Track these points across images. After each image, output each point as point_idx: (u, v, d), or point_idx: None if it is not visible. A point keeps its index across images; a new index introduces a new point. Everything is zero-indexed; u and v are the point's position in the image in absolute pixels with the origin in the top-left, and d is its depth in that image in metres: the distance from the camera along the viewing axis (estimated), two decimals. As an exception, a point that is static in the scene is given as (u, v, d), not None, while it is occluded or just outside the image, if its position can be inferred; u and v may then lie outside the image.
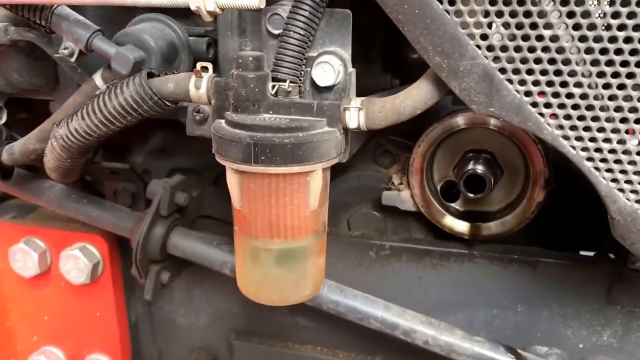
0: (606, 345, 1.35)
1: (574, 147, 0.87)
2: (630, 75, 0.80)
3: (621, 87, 0.81)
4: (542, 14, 0.80)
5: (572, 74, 0.82)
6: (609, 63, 0.80)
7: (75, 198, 1.39)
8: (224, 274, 1.34)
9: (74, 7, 1.12)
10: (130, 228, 1.36)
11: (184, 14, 1.19)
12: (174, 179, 1.38)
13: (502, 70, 0.85)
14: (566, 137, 0.86)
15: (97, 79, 1.15)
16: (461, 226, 1.35)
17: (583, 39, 0.80)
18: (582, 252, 1.40)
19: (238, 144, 0.92)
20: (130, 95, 1.02)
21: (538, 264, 1.34)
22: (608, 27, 0.78)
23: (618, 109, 0.82)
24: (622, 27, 0.77)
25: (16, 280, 1.53)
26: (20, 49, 1.24)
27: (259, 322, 1.57)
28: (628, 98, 0.81)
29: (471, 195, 1.26)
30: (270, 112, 0.97)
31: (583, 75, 0.82)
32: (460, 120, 1.27)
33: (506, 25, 0.82)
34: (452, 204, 1.38)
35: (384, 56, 1.32)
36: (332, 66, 1.01)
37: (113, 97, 1.03)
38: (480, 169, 1.27)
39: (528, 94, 0.85)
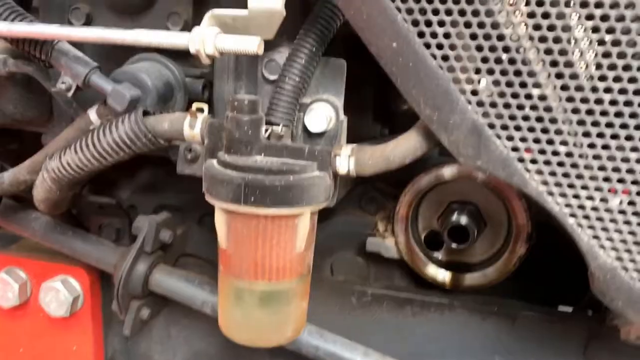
0: (582, 402, 1.35)
1: (557, 204, 0.89)
2: (614, 137, 0.83)
3: (605, 147, 0.84)
4: (531, 74, 0.83)
5: (558, 132, 0.85)
6: (595, 124, 0.83)
7: (61, 230, 1.39)
8: (204, 313, 1.34)
9: (73, 43, 1.14)
10: (114, 263, 1.36)
11: (181, 55, 1.21)
12: (160, 216, 1.38)
13: (491, 126, 0.88)
14: (550, 193, 0.89)
15: (92, 114, 1.16)
16: (443, 276, 1.37)
17: (570, 99, 0.83)
18: (561, 307, 1.41)
19: (229, 184, 0.93)
20: (125, 132, 1.04)
21: (517, 317, 1.36)
22: (594, 89, 0.81)
23: (602, 168, 0.85)
24: (608, 90, 0.81)
25: (-6, 310, 1.52)
26: (17, 81, 1.25)
27: (237, 363, 1.56)
28: (612, 158, 0.84)
29: (455, 245, 1.28)
30: (262, 154, 0.99)
31: (569, 134, 0.85)
32: (446, 171, 1.30)
33: (496, 83, 0.86)
34: (435, 254, 1.39)
35: (375, 106, 1.36)
36: (324, 113, 1.04)
37: (107, 133, 1.05)
38: (464, 220, 1.30)
39: (515, 149, 0.88)
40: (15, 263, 1.49)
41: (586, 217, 0.89)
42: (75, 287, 1.44)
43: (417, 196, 1.33)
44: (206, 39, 0.98)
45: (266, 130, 1.00)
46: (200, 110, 1.04)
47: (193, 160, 1.20)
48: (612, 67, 0.80)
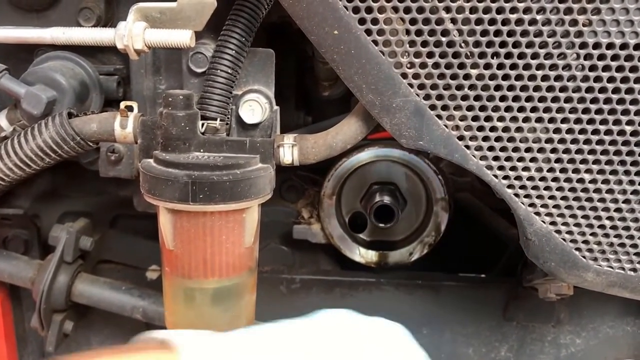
0: (504, 359, 1.45)
1: (496, 176, 0.94)
2: (546, 110, 0.89)
3: (539, 120, 0.90)
4: (469, 55, 0.87)
5: (495, 109, 0.90)
6: (529, 99, 0.89)
7: (-35, 248, 1.28)
8: (135, 318, 1.29)
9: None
10: (30, 277, 1.27)
11: (90, 52, 1.16)
12: (78, 223, 1.31)
13: (432, 107, 0.91)
14: (489, 167, 0.94)
15: (2, 120, 1.08)
16: (370, 256, 1.40)
17: (506, 77, 0.88)
18: (482, 275, 1.49)
19: (174, 183, 0.90)
20: (50, 136, 0.98)
21: (441, 288, 1.43)
22: (527, 67, 0.87)
23: (536, 140, 0.91)
24: (540, 67, 0.86)
25: None
26: None
27: (165, 367, 1.51)
28: (544, 130, 0.90)
29: (382, 225, 1.32)
30: (201, 150, 0.97)
31: (505, 110, 0.90)
32: (365, 154, 1.33)
33: (436, 65, 0.89)
34: (360, 235, 1.42)
35: (297, 94, 1.36)
36: (259, 104, 1.03)
37: (30, 138, 0.98)
38: (387, 199, 1.34)
39: (456, 128, 0.92)
40: None
41: (523, 187, 0.95)
42: (-16, 309, 1.34)
43: (340, 181, 1.35)
44: (134, 34, 0.94)
45: (202, 125, 0.98)
46: (130, 108, 0.99)
47: (117, 162, 1.15)
48: (543, 45, 0.86)
